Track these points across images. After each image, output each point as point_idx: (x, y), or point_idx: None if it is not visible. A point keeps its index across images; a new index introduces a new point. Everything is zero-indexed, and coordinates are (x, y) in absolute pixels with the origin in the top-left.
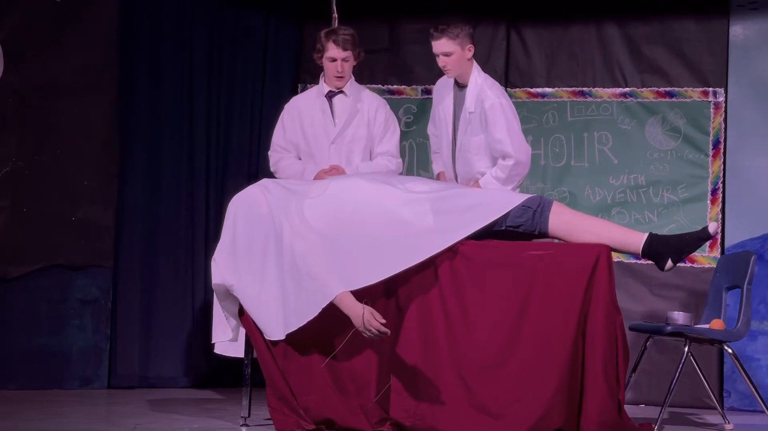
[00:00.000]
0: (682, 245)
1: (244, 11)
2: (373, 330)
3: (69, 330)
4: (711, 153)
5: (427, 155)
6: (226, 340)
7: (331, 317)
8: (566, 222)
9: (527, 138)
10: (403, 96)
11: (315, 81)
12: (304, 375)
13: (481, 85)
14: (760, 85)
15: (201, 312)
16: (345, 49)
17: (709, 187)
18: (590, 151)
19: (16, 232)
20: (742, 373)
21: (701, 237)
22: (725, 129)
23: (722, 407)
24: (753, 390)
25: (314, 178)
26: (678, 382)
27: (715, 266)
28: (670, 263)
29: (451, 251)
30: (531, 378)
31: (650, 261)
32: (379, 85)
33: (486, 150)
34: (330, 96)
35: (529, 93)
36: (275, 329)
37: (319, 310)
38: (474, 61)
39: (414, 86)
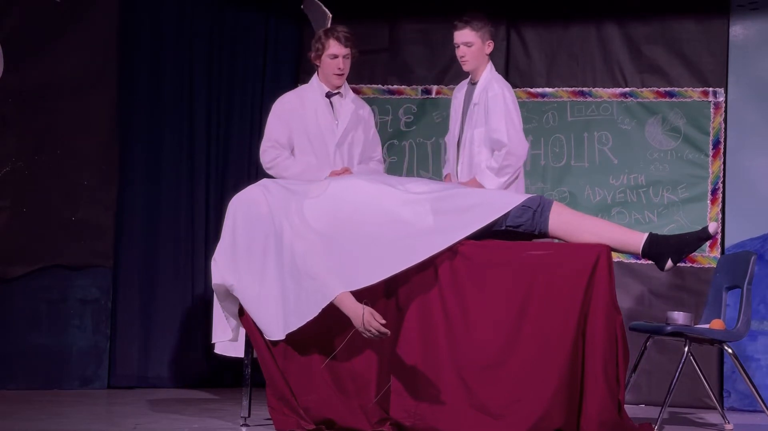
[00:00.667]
0: (682, 245)
1: (244, 11)
2: (373, 331)
3: (69, 330)
4: (711, 153)
5: (427, 155)
6: (226, 340)
7: (331, 317)
8: (566, 222)
9: (527, 138)
10: (403, 96)
11: None
12: (304, 375)
13: (490, 79)
14: (760, 85)
15: (201, 312)
16: (346, 46)
17: (709, 187)
18: (590, 151)
19: (16, 232)
20: (742, 373)
21: (701, 237)
22: (725, 129)
23: (722, 407)
24: (753, 390)
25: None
26: (678, 382)
27: (715, 266)
28: (670, 263)
29: (451, 251)
30: (531, 378)
31: (650, 261)
32: (379, 85)
33: (486, 142)
34: (329, 96)
35: (529, 93)
36: (275, 329)
37: (319, 310)
38: (490, 61)
39: (414, 86)
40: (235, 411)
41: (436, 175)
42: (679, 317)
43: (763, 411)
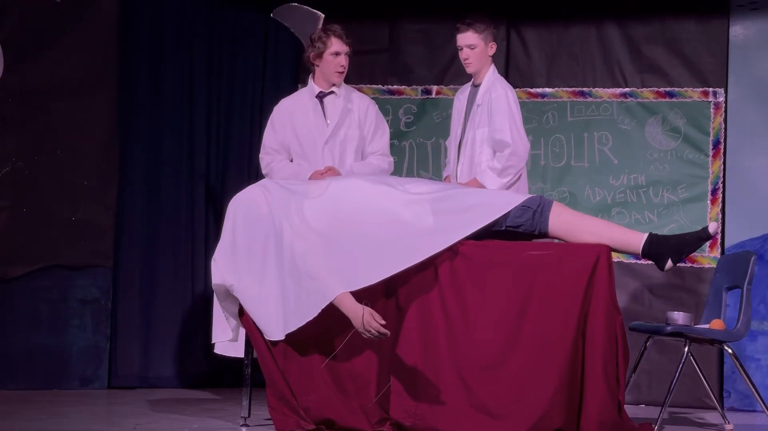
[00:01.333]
0: (682, 245)
1: (244, 11)
2: (373, 331)
3: (69, 330)
4: (711, 153)
5: (427, 155)
6: (226, 340)
7: (331, 317)
8: (566, 222)
9: (527, 138)
10: (403, 96)
11: None
12: (304, 375)
13: (493, 81)
14: (760, 85)
15: (201, 312)
16: (347, 43)
17: (709, 187)
18: (590, 151)
19: (16, 232)
20: (742, 373)
21: (701, 237)
22: (725, 129)
23: (722, 407)
24: (753, 390)
25: (309, 179)
26: (678, 382)
27: (715, 266)
28: (670, 263)
29: (451, 251)
30: (531, 378)
31: (650, 261)
32: (379, 85)
33: (489, 143)
34: (321, 97)
35: (529, 93)
36: (275, 329)
37: (319, 310)
38: (492, 62)
39: (414, 86)
40: (235, 411)
41: (436, 175)
42: (679, 317)
43: (763, 411)
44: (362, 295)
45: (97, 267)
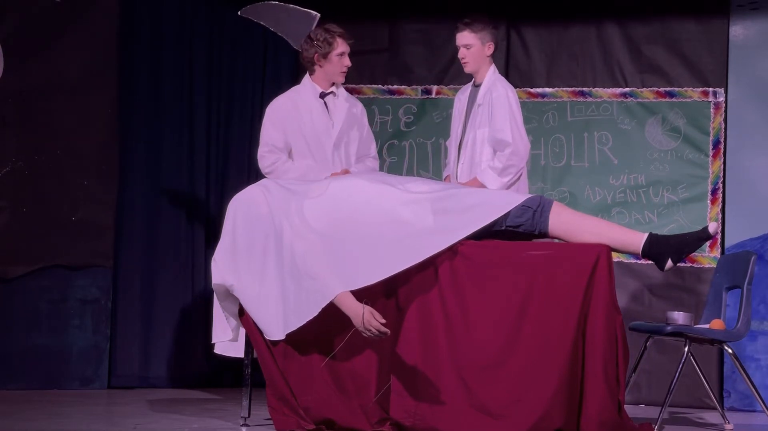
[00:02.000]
0: (682, 245)
1: None
2: (373, 330)
3: (69, 330)
4: (711, 153)
5: (427, 155)
6: (226, 340)
7: (331, 317)
8: (566, 222)
9: (528, 137)
10: (403, 96)
11: None
12: (304, 375)
13: (494, 81)
14: (760, 85)
15: (201, 312)
16: (349, 44)
17: (709, 187)
18: (590, 151)
19: (16, 232)
20: (742, 373)
21: (701, 237)
22: (725, 129)
23: (722, 407)
24: (753, 390)
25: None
26: (678, 382)
27: (715, 266)
28: (670, 263)
29: (451, 251)
30: (531, 378)
31: (650, 261)
32: (379, 85)
33: (489, 142)
34: (323, 96)
35: (529, 93)
36: (275, 329)
37: (319, 310)
38: (492, 63)
39: (414, 86)
40: (235, 411)
41: (436, 175)
42: (679, 317)
43: (763, 411)
44: (362, 295)
45: (97, 267)
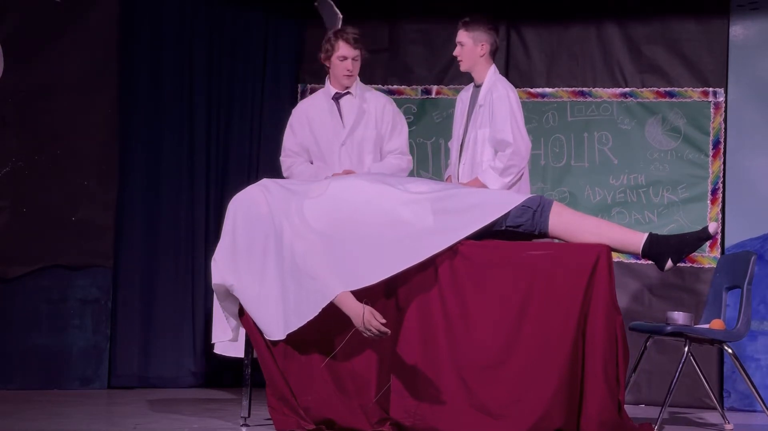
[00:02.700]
0: (682, 245)
1: (244, 11)
2: (373, 330)
3: (69, 330)
4: (711, 153)
5: (427, 155)
6: (226, 340)
7: (332, 317)
8: (566, 222)
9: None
10: (403, 96)
11: (315, 81)
12: (304, 375)
13: (495, 81)
14: (760, 85)
15: (201, 312)
16: (356, 48)
17: (709, 187)
18: (590, 151)
19: (16, 232)
20: (742, 373)
21: (701, 237)
22: (725, 129)
23: (722, 407)
24: (753, 390)
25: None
26: (678, 382)
27: (715, 266)
28: (670, 263)
29: (451, 251)
30: (531, 378)
31: (650, 261)
32: (379, 85)
33: (490, 142)
34: (337, 98)
35: (529, 93)
36: (275, 329)
37: (319, 310)
38: (493, 63)
39: (414, 86)
40: (235, 411)
41: (436, 175)
42: (679, 317)
43: (763, 411)
44: (362, 295)
45: (97, 267)
